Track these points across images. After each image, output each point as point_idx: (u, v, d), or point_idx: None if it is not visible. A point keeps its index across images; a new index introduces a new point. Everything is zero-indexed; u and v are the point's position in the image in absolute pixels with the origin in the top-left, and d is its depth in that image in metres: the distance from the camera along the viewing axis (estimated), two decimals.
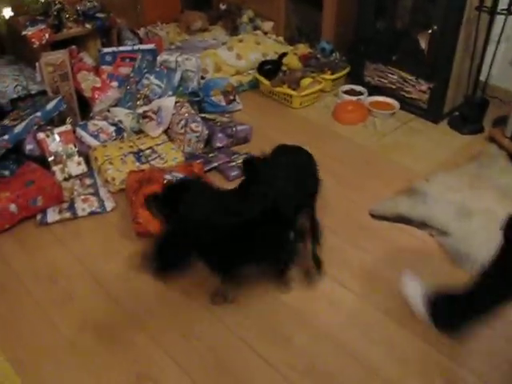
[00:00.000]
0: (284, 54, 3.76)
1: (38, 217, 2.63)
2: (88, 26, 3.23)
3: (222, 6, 4.33)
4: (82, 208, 2.66)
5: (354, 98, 3.59)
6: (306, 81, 3.58)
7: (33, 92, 3.15)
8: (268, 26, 4.17)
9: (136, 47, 3.36)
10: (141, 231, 2.44)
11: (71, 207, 2.66)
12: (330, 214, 2.63)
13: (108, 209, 2.68)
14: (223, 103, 3.34)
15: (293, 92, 3.49)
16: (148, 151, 2.91)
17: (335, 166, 3.00)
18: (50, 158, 2.83)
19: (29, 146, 2.83)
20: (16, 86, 3.11)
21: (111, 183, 2.74)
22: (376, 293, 2.26)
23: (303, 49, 3.82)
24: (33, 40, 3.04)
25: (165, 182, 2.56)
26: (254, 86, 3.71)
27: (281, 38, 4.11)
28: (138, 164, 2.83)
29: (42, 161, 2.84)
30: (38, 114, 2.88)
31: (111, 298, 2.26)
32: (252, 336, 2.08)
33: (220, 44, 3.96)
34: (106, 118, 3.12)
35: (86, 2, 3.23)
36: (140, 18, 4.13)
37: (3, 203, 2.53)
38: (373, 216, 2.68)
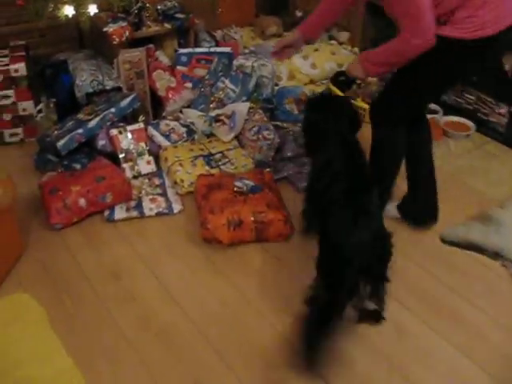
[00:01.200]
0: None
1: (106, 213, 2.64)
2: (167, 25, 3.23)
3: (299, 13, 4.28)
4: (149, 208, 2.65)
5: (428, 117, 3.48)
6: None
7: (108, 87, 3.17)
8: (344, 36, 4.10)
9: (212, 49, 3.35)
10: (208, 237, 2.41)
11: (139, 206, 2.66)
12: (400, 234, 2.55)
13: (175, 211, 2.67)
14: (296, 112, 3.29)
15: (367, 106, 3.41)
16: (218, 155, 2.89)
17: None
18: (121, 155, 2.84)
19: (101, 142, 2.85)
20: (92, 80, 3.14)
21: (180, 185, 2.73)
22: (441, 320, 2.17)
23: None
24: (113, 37, 3.06)
25: (235, 189, 2.53)
26: None
27: (356, 49, 4.03)
28: (207, 168, 2.80)
29: (112, 157, 2.85)
30: (113, 110, 2.90)
31: (174, 301, 2.24)
32: None
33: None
34: (177, 119, 3.11)
35: (166, 2, 3.24)
36: (217, 20, 4.12)
37: (73, 197, 2.54)
38: (443, 241, 2.58)
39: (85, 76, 3.17)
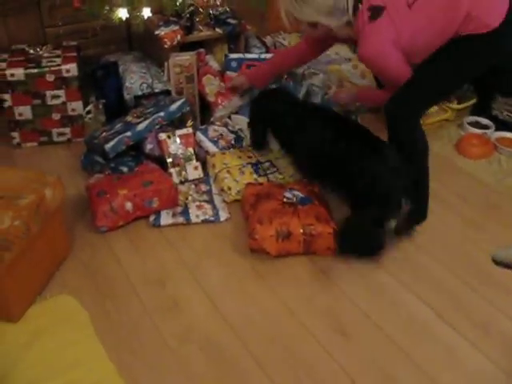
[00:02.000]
0: None
1: (151, 218, 2.62)
2: (219, 30, 3.20)
3: None
4: (195, 214, 2.62)
5: (479, 132, 3.39)
6: (432, 108, 3.41)
7: (156, 90, 3.16)
8: None
9: (263, 56, 3.30)
10: (255, 247, 2.37)
11: (185, 212, 2.63)
12: (449, 252, 2.48)
13: (222, 219, 2.63)
14: None
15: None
16: (267, 164, 2.84)
17: (457, 202, 2.82)
18: (169, 160, 2.81)
19: (149, 146, 2.83)
20: (142, 83, 3.13)
21: (227, 193, 2.69)
22: (492, 345, 2.07)
23: None
24: (165, 40, 3.04)
25: (284, 199, 2.48)
26: (377, 108, 3.57)
27: None
28: (255, 176, 2.76)
29: (159, 161, 2.83)
30: (162, 113, 2.88)
31: (218, 311, 2.19)
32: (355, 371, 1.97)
33: (343, 59, 3.85)
34: (226, 125, 3.08)
35: (218, 7, 3.21)
36: (265, 26, 4.08)
37: (120, 200, 2.53)
38: (495, 262, 2.49)
39: (134, 78, 3.17)
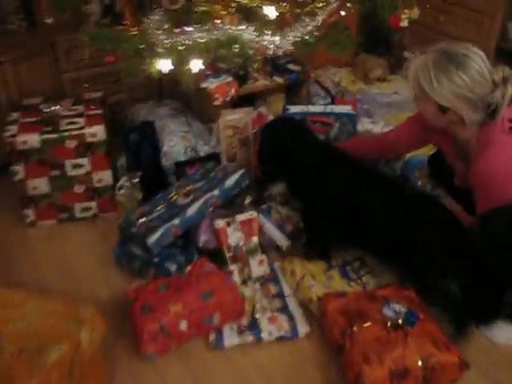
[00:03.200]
0: None
1: (212, 337, 2.02)
2: (279, 79, 2.59)
3: (407, 54, 3.62)
4: (268, 331, 2.02)
5: None
6: None
7: (202, 154, 2.56)
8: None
9: (329, 108, 2.69)
10: None
11: (253, 327, 2.03)
12: None
13: (300, 334, 2.04)
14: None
15: None
16: (357, 263, 2.23)
17: None
18: (229, 254, 2.22)
19: (203, 237, 2.23)
20: (186, 148, 2.52)
21: (317, 304, 2.09)
22: None
23: None
24: (216, 96, 2.44)
25: (388, 323, 1.88)
26: None
27: None
28: (346, 281, 2.15)
29: (214, 254, 2.24)
30: (216, 192, 2.28)
31: None
32: None
33: (404, 100, 3.28)
34: (285, 202, 2.46)
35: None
36: (312, 60, 3.49)
37: (173, 319, 1.93)
38: None
39: (174, 140, 2.57)
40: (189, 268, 2.16)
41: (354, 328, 1.87)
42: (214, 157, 2.56)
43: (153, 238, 2.15)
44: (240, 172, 2.36)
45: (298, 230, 2.37)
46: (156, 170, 2.53)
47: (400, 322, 1.89)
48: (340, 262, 2.23)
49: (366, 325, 1.88)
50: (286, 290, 2.19)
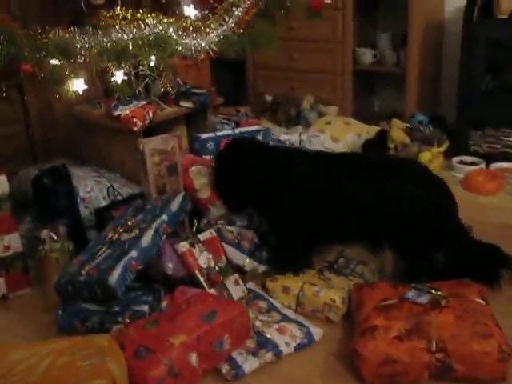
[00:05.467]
0: (382, 131, 3.14)
1: (225, 369, 1.65)
2: (187, 103, 2.40)
3: (268, 97, 3.64)
4: (284, 342, 1.72)
5: (476, 168, 3.05)
6: (426, 155, 2.97)
7: (124, 196, 2.24)
8: (333, 110, 3.55)
9: (238, 130, 2.55)
10: None
11: (266, 343, 1.72)
12: None
13: (316, 337, 1.77)
14: None
15: None
16: (341, 260, 2.05)
17: None
18: (202, 278, 1.89)
19: (171, 264, 1.89)
20: (108, 188, 2.17)
21: (335, 307, 1.84)
22: None
23: (399, 124, 3.22)
24: (134, 120, 2.16)
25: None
26: None
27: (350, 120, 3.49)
28: (343, 277, 1.96)
29: (183, 283, 1.90)
30: (165, 217, 1.97)
31: None
32: None
33: (298, 138, 3.21)
34: (231, 222, 2.23)
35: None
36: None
37: (180, 353, 1.56)
38: None
39: (89, 185, 2.20)
40: (166, 302, 1.79)
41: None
42: (139, 196, 2.24)
43: (114, 277, 1.75)
44: (181, 195, 2.08)
45: (255, 245, 2.13)
46: (77, 215, 2.13)
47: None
48: (324, 264, 2.04)
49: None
50: (278, 305, 1.92)
